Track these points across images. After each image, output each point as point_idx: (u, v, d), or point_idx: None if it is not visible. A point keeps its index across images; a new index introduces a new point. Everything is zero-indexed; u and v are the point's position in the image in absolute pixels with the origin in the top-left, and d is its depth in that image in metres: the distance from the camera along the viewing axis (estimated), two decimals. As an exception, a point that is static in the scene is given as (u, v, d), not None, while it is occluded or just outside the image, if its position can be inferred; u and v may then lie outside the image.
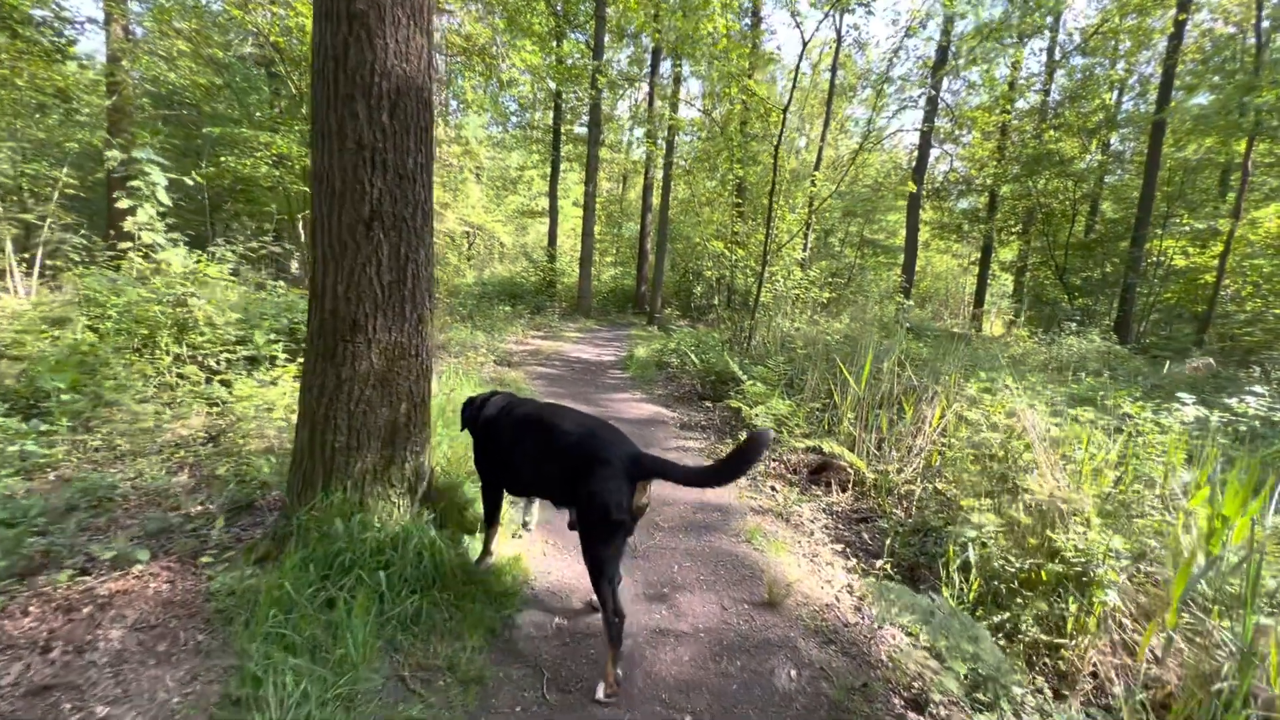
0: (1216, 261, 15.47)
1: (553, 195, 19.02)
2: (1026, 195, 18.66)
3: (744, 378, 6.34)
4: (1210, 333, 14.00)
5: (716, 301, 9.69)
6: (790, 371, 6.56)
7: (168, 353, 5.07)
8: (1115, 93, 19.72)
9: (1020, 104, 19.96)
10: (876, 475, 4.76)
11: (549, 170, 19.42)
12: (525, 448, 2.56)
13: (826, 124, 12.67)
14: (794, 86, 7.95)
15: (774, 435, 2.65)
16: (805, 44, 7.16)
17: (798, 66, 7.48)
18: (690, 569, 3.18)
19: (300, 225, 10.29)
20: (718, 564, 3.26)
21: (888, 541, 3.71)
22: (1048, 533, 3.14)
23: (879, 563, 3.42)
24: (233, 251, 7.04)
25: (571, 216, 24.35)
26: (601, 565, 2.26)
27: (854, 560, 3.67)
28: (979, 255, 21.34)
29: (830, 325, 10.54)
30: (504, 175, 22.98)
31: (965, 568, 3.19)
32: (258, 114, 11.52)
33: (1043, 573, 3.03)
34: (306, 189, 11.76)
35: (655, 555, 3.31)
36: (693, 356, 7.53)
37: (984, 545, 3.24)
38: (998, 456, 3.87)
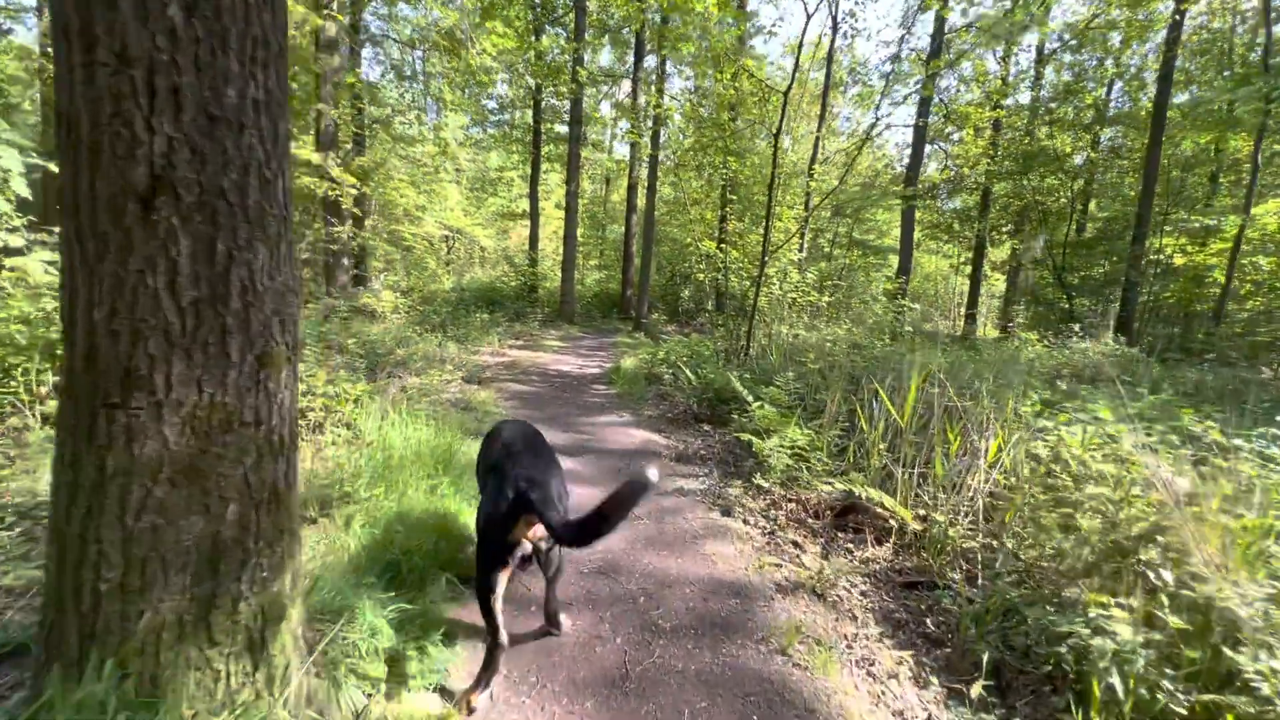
0: (1216, 260, 14.81)
1: (533, 197, 17.92)
2: (1019, 194, 17.94)
3: (750, 399, 5.31)
4: (1216, 333, 13.26)
5: (710, 307, 8.70)
6: (802, 389, 5.55)
7: (36, 383, 3.93)
8: (1106, 89, 19.10)
9: (1010, 101, 19.28)
10: (924, 526, 3.76)
11: (530, 171, 18.31)
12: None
13: (823, 117, 11.73)
14: (796, 66, 6.96)
15: (654, 482, 2.10)
16: (810, 16, 6.19)
17: (800, 43, 6.49)
18: (708, 713, 2.13)
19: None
20: (746, 699, 2.21)
21: (961, 632, 2.70)
22: (1224, 650, 2.15)
23: (973, 690, 2.39)
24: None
25: (554, 219, 23.24)
26: (480, 584, 2.08)
27: (921, 664, 2.65)
28: (970, 255, 20.61)
29: (833, 331, 9.57)
30: (483, 177, 21.83)
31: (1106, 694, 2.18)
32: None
33: (1229, 715, 2.03)
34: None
35: (655, 685, 2.25)
36: (687, 372, 6.49)
37: (1125, 659, 2.23)
38: (1107, 515, 2.87)
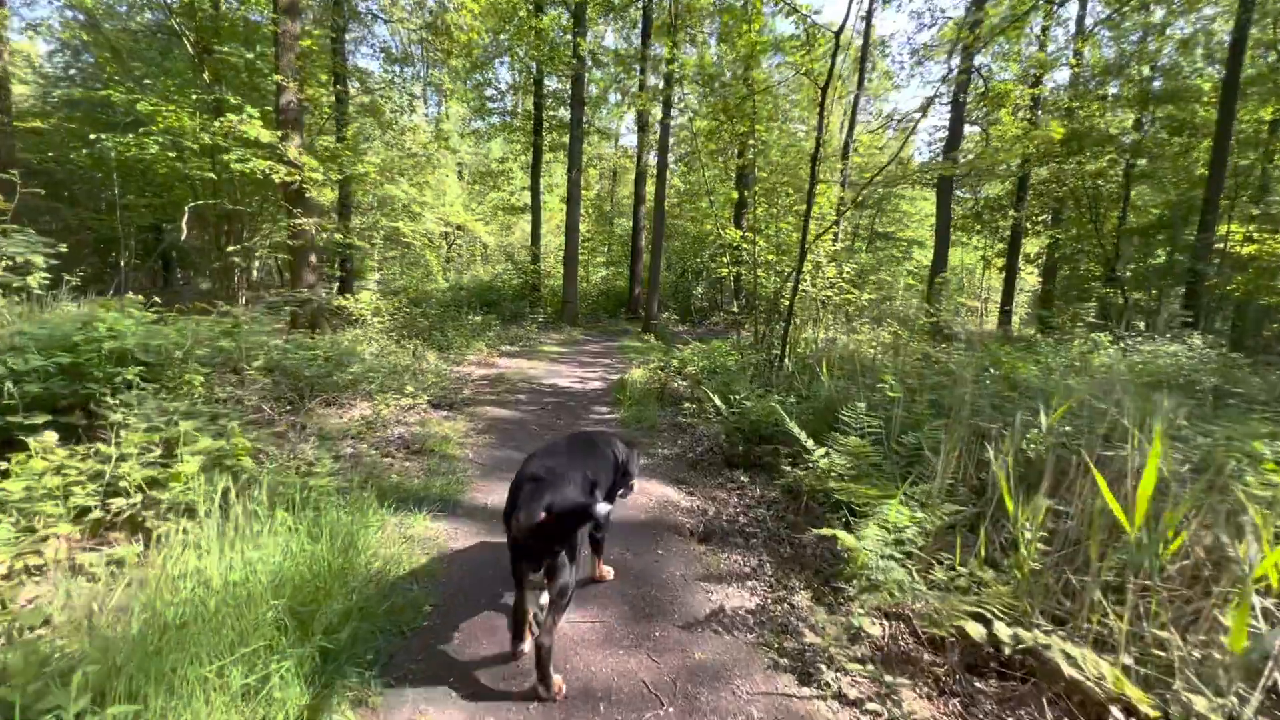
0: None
1: (535, 188, 16.19)
2: (1059, 179, 15.96)
3: (811, 447, 3.61)
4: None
5: (735, 307, 7.00)
6: (879, 427, 3.81)
7: None
8: (1150, 65, 17.02)
9: (1048, 82, 17.31)
10: None
11: (530, 160, 16.59)
12: None
13: (861, 83, 9.92)
14: (853, -4, 5.19)
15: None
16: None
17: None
18: None
19: (184, 219, 7.47)
20: None
21: None
22: None
23: None
24: (35, 253, 4.32)
25: (558, 214, 21.54)
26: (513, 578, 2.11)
27: None
28: (1002, 247, 18.67)
29: (876, 334, 7.82)
30: (483, 169, 20.17)
31: None
32: (146, 80, 8.70)
33: None
34: (213, 175, 8.94)
35: None
36: (715, 399, 4.78)
37: None
38: None
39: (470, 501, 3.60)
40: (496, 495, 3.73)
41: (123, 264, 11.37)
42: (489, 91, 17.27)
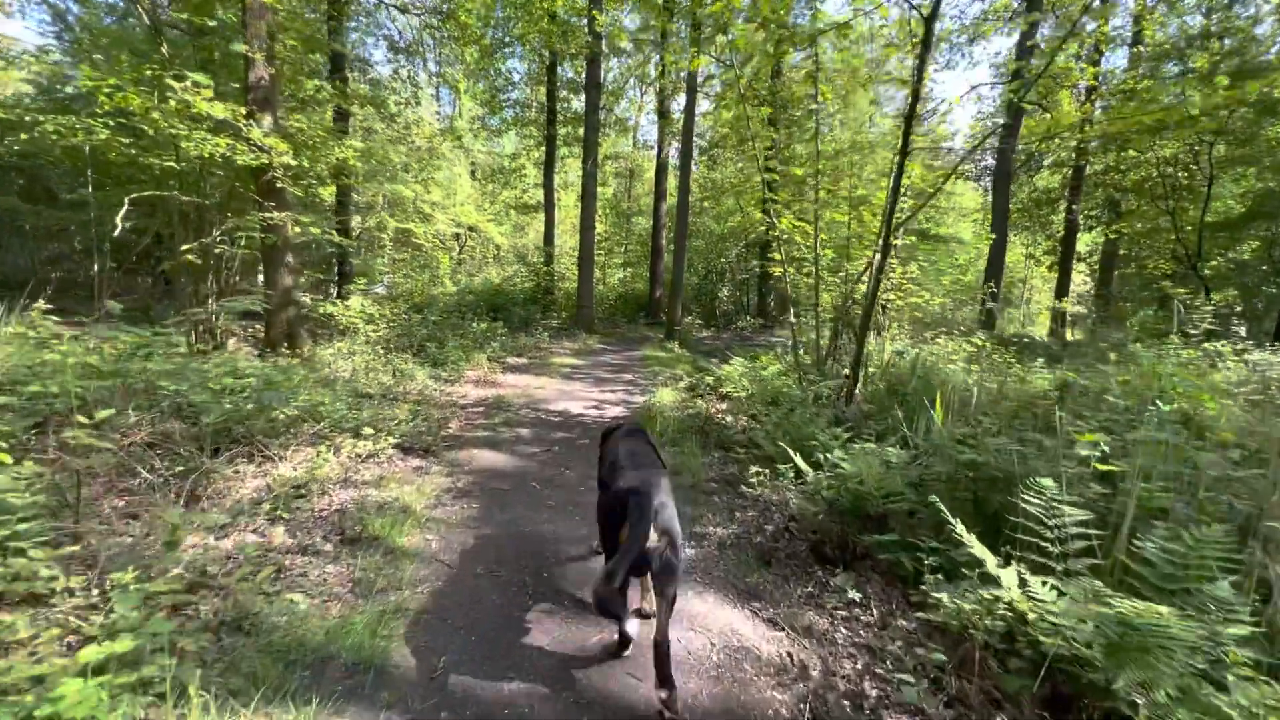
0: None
1: (548, 184, 14.71)
2: (1119, 168, 14.08)
3: (994, 569, 2.05)
4: None
5: (793, 317, 5.41)
6: (1085, 524, 2.23)
7: None
8: (1220, 40, 15.02)
9: (1104, 64, 15.42)
10: None
11: (544, 155, 15.10)
12: None
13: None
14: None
15: None
16: None
17: None
18: None
19: (121, 213, 6.10)
20: None
21: None
22: None
23: None
24: None
25: (574, 213, 20.08)
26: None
27: None
28: (1052, 244, 16.78)
29: (954, 347, 6.16)
30: (494, 165, 18.78)
31: None
32: (96, 55, 7.36)
33: None
34: (175, 164, 7.56)
35: None
36: (798, 459, 3.20)
37: None
38: None
39: (406, 664, 2.05)
40: (459, 642, 2.16)
41: (96, 267, 10.12)
42: (500, 83, 15.84)
